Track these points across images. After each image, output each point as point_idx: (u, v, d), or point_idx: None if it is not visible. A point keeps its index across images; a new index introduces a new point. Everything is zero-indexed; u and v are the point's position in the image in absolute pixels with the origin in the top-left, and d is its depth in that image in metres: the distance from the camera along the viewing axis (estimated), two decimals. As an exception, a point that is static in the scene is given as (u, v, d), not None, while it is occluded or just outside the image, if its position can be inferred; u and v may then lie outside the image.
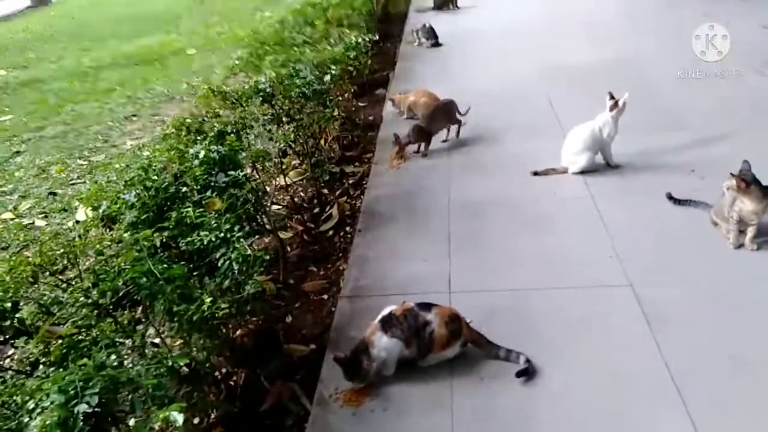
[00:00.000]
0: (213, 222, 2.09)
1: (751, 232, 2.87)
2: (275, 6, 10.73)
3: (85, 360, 1.50)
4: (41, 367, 1.72)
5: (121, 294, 1.84)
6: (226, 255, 2.00)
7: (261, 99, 3.27)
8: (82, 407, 1.36)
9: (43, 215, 4.13)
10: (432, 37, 6.83)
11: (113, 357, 1.56)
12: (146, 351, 1.78)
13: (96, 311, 1.80)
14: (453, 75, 5.85)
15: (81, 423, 1.35)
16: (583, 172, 3.68)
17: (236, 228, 2.07)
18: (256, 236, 2.88)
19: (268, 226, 3.02)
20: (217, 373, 2.31)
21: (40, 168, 4.91)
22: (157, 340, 2.04)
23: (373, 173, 4.05)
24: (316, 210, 3.76)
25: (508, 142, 4.29)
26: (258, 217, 2.89)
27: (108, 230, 2.26)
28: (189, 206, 2.17)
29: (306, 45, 4.19)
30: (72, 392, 1.38)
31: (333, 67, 3.70)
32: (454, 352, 2.33)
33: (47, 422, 1.33)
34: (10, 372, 1.85)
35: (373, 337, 2.30)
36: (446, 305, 2.45)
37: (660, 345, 2.35)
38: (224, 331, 2.26)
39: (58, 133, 5.66)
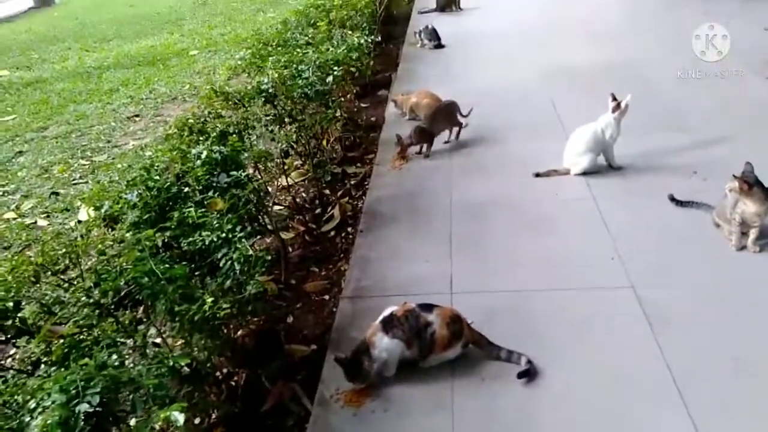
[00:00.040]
0: (215, 222, 2.09)
1: (753, 233, 2.86)
2: (278, 7, 10.76)
3: (86, 360, 1.50)
4: (43, 366, 1.72)
5: (122, 294, 1.84)
6: (228, 255, 2.00)
7: (263, 99, 3.27)
8: (84, 407, 1.36)
9: (45, 215, 4.14)
10: (434, 38, 6.83)
11: (114, 357, 1.56)
12: (147, 351, 1.78)
13: (97, 311, 1.80)
14: (455, 76, 5.85)
15: (82, 422, 1.35)
16: (585, 174, 3.68)
17: (238, 228, 2.07)
18: (258, 236, 2.89)
19: (269, 227, 3.03)
20: (218, 374, 2.31)
21: (43, 168, 4.93)
22: (158, 340, 2.03)
23: (375, 174, 4.05)
24: (318, 210, 3.76)
25: (510, 143, 4.29)
26: (260, 217, 2.90)
27: (110, 230, 2.27)
28: (191, 206, 2.17)
29: (308, 46, 4.19)
30: (73, 392, 1.38)
31: (335, 68, 3.70)
32: (456, 353, 2.33)
33: (48, 422, 1.33)
34: (11, 371, 1.85)
35: (374, 337, 2.30)
36: (447, 306, 2.45)
37: (662, 346, 2.35)
38: (225, 331, 2.26)
39: (60, 133, 5.67)
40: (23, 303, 1.86)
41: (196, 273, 2.06)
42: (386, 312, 2.38)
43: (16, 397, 1.55)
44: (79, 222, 3.45)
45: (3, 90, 7.42)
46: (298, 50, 3.99)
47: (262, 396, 2.37)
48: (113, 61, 8.32)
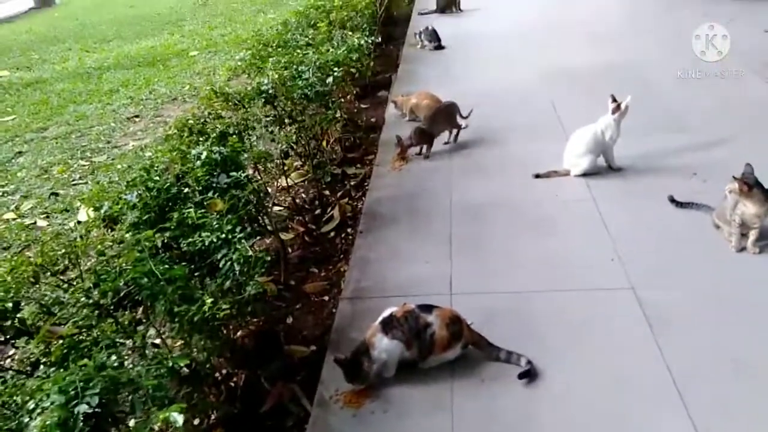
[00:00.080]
0: (214, 223, 2.09)
1: (753, 235, 2.86)
2: (278, 8, 10.77)
3: (85, 360, 1.50)
4: (42, 367, 1.72)
5: (122, 294, 1.84)
6: (228, 256, 2.00)
7: (263, 100, 3.27)
8: (83, 408, 1.36)
9: (44, 215, 4.14)
10: (435, 39, 6.83)
11: (114, 357, 1.56)
12: (147, 352, 1.78)
13: (97, 312, 1.80)
14: (455, 77, 5.85)
15: (81, 423, 1.35)
16: (585, 175, 3.68)
17: (238, 229, 2.07)
18: (258, 237, 2.89)
19: (269, 227, 3.03)
20: (217, 374, 2.31)
21: (43, 168, 4.93)
22: (157, 341, 2.03)
23: (374, 175, 4.05)
24: (318, 211, 3.76)
25: (510, 144, 4.29)
26: (259, 218, 2.90)
27: (109, 231, 2.27)
28: (191, 207, 2.17)
29: (309, 47, 4.19)
30: (72, 393, 1.37)
31: (335, 69, 3.70)
32: (455, 354, 2.33)
33: (47, 422, 1.33)
34: (10, 372, 1.85)
35: (374, 338, 2.29)
36: (447, 307, 2.45)
37: (662, 348, 2.35)
38: (225, 332, 2.26)
39: (60, 133, 5.67)
40: (22, 303, 1.85)
41: (196, 274, 2.06)
42: (386, 313, 2.37)
43: (15, 397, 1.55)
44: (79, 222, 3.44)
45: (3, 90, 7.42)
46: (299, 51, 3.99)
47: (262, 397, 2.37)
48: (113, 61, 8.33)
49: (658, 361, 2.29)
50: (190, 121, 3.04)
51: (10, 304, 1.80)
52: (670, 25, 7.08)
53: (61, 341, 1.64)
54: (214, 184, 2.42)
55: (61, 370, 1.53)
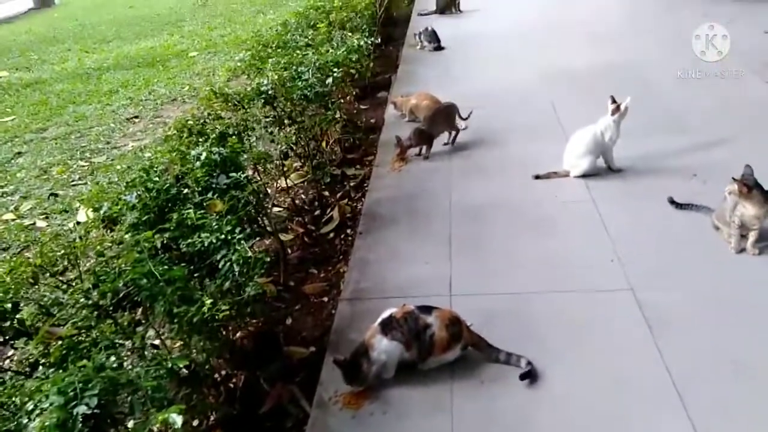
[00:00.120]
0: (214, 224, 2.09)
1: (752, 236, 2.86)
2: (278, 9, 10.78)
3: (84, 361, 1.50)
4: (41, 368, 1.71)
5: (121, 295, 1.83)
6: (227, 257, 2.00)
7: (263, 101, 3.27)
8: (82, 409, 1.35)
9: (44, 216, 4.13)
10: (434, 40, 6.83)
11: (113, 358, 1.55)
12: (146, 353, 1.78)
13: (96, 312, 1.80)
14: (455, 78, 5.85)
15: (80, 424, 1.34)
16: (584, 176, 3.68)
17: (237, 230, 2.07)
18: (257, 238, 2.88)
19: (269, 228, 3.02)
20: (216, 375, 2.31)
21: (42, 169, 4.92)
22: (156, 342, 2.03)
23: (374, 176, 4.05)
24: (317, 212, 3.76)
25: (510, 145, 4.29)
26: (259, 219, 2.89)
27: (109, 231, 2.26)
28: (190, 208, 2.17)
29: (308, 48, 4.19)
30: (71, 394, 1.37)
31: (335, 69, 3.70)
32: (455, 356, 2.33)
33: (46, 423, 1.33)
34: (9, 373, 1.85)
35: (373, 339, 2.29)
36: (447, 308, 2.45)
37: (661, 349, 2.35)
38: (224, 333, 2.25)
39: (59, 134, 5.67)
40: (22, 304, 1.85)
41: (195, 275, 2.06)
42: (385, 314, 2.37)
43: (14, 398, 1.54)
44: (78, 223, 3.43)
45: (2, 91, 7.42)
46: (298, 52, 3.99)
47: (261, 398, 2.37)
48: (113, 62, 8.32)
49: (658, 363, 2.29)
50: (190, 122, 3.04)
51: (10, 305, 1.80)
52: (670, 25, 7.09)
53: (60, 342, 1.64)
54: (214, 185, 2.42)
55: (60, 371, 1.53)
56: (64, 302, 1.85)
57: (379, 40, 6.07)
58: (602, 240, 3.09)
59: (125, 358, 1.69)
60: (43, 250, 2.03)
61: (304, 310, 2.91)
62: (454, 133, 4.34)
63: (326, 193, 3.92)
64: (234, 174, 2.48)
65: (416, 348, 2.28)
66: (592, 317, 2.57)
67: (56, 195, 4.42)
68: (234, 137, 2.79)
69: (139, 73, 7.53)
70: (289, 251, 3.33)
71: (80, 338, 1.71)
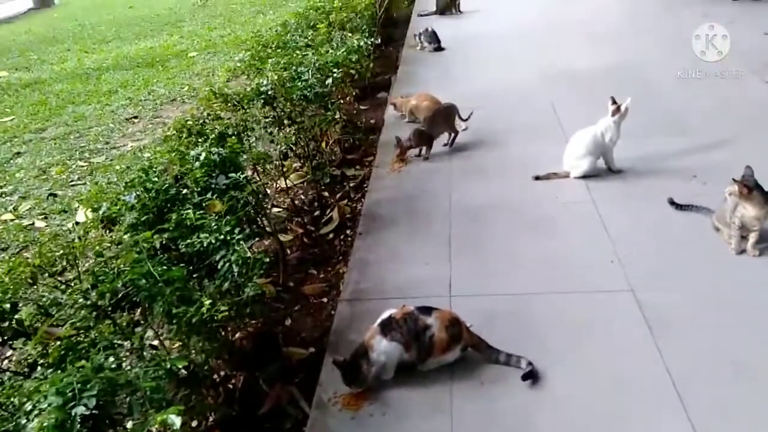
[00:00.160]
0: (213, 224, 2.08)
1: (752, 237, 2.86)
2: (277, 9, 10.78)
3: (83, 362, 1.49)
4: (39, 368, 1.71)
5: (120, 296, 1.83)
6: (226, 257, 1.99)
7: (262, 101, 3.26)
8: (80, 409, 1.35)
9: (43, 216, 4.13)
10: (434, 41, 6.83)
11: (111, 359, 1.54)
12: (145, 353, 1.77)
13: (95, 313, 1.79)
14: (455, 79, 5.85)
15: (78, 425, 1.34)
16: (584, 177, 3.67)
17: (236, 230, 2.06)
18: (256, 239, 2.88)
19: (268, 229, 3.02)
20: (215, 376, 2.30)
21: (41, 169, 4.92)
22: (155, 343, 2.03)
23: (374, 176, 4.05)
24: (317, 213, 3.75)
25: (510, 146, 4.28)
26: (258, 219, 2.89)
27: (108, 232, 2.26)
28: (189, 208, 2.16)
29: (308, 48, 4.18)
30: (70, 394, 1.37)
31: (335, 70, 3.69)
32: (454, 357, 2.32)
33: (45, 424, 1.32)
34: (8, 373, 1.84)
35: (373, 340, 2.29)
36: (446, 309, 2.44)
37: (661, 350, 2.34)
38: (223, 333, 2.25)
39: (59, 134, 5.67)
40: (20, 304, 1.85)
41: (194, 275, 2.05)
42: (385, 315, 2.37)
43: (12, 399, 1.53)
44: (77, 223, 3.43)
45: (2, 91, 7.41)
46: (298, 52, 3.99)
47: (260, 399, 2.36)
48: (112, 62, 8.32)
49: (658, 364, 2.29)
50: (189, 122, 3.03)
51: (8, 305, 1.79)
52: (670, 25, 7.10)
53: (58, 342, 1.63)
54: (213, 186, 2.41)
55: (59, 371, 1.52)
56: (63, 302, 1.84)
57: (379, 40, 6.07)
58: (602, 241, 3.08)
59: (124, 359, 1.69)
60: (41, 250, 2.02)
61: (304, 311, 2.91)
62: (453, 135, 4.34)
63: (326, 194, 3.92)
64: (233, 174, 2.47)
65: (416, 349, 2.28)
66: (592, 318, 2.57)
67: (55, 195, 4.41)
68: (233, 137, 2.78)
69: (138, 74, 7.53)
70: (289, 252, 3.33)
71: (79, 339, 1.70)
